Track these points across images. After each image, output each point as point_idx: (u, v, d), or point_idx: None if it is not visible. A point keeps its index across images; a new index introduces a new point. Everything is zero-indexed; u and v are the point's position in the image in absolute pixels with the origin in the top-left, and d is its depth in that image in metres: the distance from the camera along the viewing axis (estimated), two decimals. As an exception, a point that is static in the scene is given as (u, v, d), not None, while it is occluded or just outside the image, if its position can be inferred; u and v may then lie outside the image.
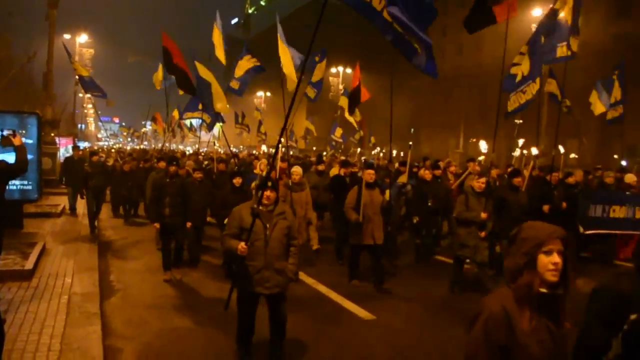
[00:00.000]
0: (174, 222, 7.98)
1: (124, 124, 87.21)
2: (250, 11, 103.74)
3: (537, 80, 8.64)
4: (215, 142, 13.31)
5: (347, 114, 20.80)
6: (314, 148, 40.95)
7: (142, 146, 38.20)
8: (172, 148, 31.65)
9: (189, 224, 8.21)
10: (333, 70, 45.09)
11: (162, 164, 10.36)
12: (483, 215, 7.36)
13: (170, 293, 7.57)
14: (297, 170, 9.06)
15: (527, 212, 7.88)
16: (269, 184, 4.86)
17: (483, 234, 7.45)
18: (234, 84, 12.39)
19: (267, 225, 4.80)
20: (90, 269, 8.08)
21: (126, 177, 13.74)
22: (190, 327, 6.15)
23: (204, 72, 11.54)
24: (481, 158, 12.77)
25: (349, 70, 39.11)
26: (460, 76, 51.55)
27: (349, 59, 40.00)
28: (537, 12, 28.50)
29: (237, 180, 8.21)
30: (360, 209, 7.73)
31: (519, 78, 8.72)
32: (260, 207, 4.79)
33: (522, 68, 8.73)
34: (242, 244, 4.61)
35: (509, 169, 10.57)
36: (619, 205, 9.60)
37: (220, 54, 12.11)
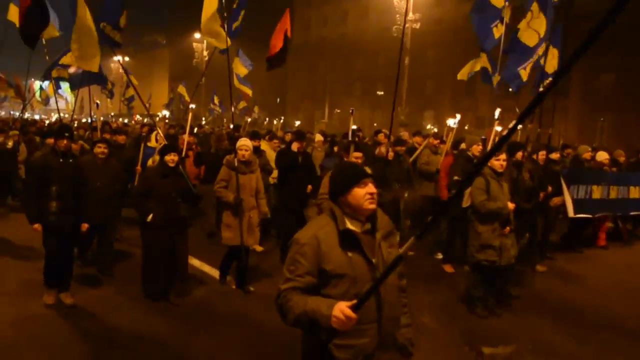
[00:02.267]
0: (63, 221, 5.49)
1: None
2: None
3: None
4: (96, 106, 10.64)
5: (236, 82, 19.43)
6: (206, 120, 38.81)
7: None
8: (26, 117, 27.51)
9: (85, 226, 5.70)
10: (197, 35, 43.06)
11: (51, 141, 7.31)
12: (511, 206, 5.75)
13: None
14: (246, 143, 6.39)
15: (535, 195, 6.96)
16: (369, 180, 2.49)
17: (508, 229, 5.73)
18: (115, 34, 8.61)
19: (375, 262, 2.41)
20: None
21: None
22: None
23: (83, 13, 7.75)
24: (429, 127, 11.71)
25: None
26: (325, 48, 52.56)
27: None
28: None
29: (172, 158, 5.79)
30: None
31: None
32: (350, 225, 2.45)
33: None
34: (346, 307, 2.10)
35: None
36: (596, 185, 8.74)
37: None
